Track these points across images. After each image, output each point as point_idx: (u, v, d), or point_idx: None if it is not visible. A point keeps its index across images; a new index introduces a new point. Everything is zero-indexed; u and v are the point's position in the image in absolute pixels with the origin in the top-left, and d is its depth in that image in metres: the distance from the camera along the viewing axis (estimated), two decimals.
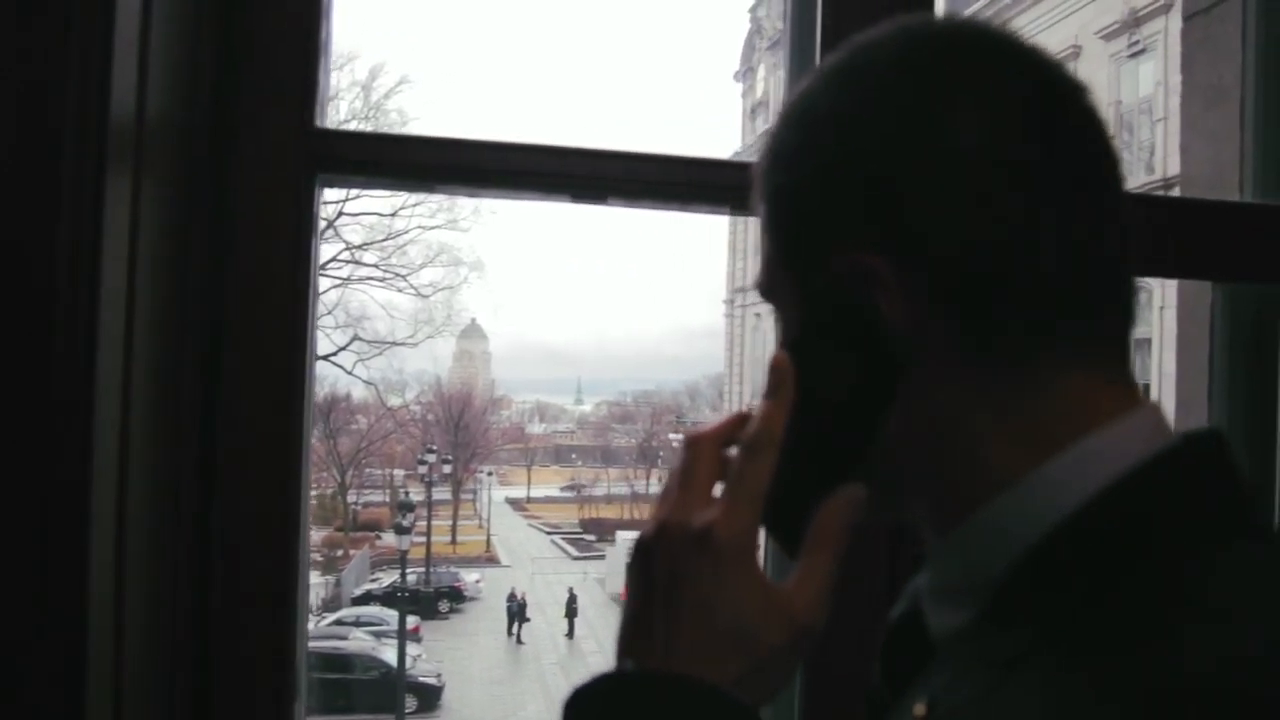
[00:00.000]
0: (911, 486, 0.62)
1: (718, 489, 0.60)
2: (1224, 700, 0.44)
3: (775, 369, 0.60)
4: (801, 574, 0.58)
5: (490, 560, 28.47)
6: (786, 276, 0.64)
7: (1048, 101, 0.58)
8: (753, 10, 31.44)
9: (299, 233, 1.17)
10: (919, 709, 0.56)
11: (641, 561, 0.60)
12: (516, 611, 21.56)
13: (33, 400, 0.87)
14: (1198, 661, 0.45)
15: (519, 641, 21.40)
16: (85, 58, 0.88)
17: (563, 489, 41.55)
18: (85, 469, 0.88)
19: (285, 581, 1.16)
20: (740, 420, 0.62)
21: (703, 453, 0.61)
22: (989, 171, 0.56)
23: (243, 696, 1.15)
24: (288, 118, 1.17)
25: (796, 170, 0.62)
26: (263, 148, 1.16)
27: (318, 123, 1.20)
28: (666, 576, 0.57)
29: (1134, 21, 14.93)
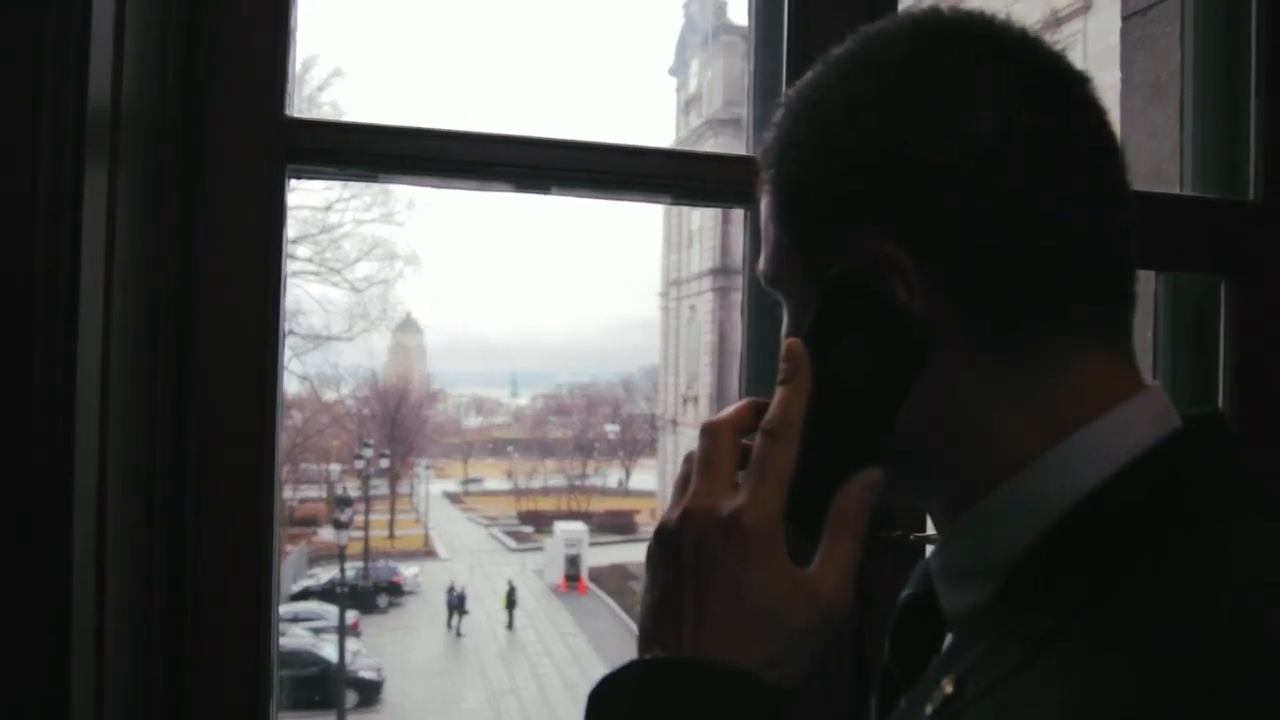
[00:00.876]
0: (924, 470, 0.63)
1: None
2: (1273, 669, 0.44)
3: (789, 356, 0.61)
4: (825, 557, 0.59)
5: (428, 554, 28.21)
6: (797, 265, 0.64)
7: (1059, 93, 0.60)
8: (686, 6, 31.50)
9: (269, 223, 1.17)
10: (947, 687, 0.56)
11: (666, 548, 0.60)
12: (455, 604, 21.42)
13: (14, 397, 0.86)
14: (1243, 631, 0.46)
15: (459, 634, 21.27)
16: (61, 48, 0.87)
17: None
18: (67, 466, 0.87)
19: (259, 577, 1.15)
20: (752, 408, 0.63)
21: (722, 440, 0.61)
22: (1005, 161, 0.57)
23: (219, 694, 1.14)
24: (258, 107, 1.16)
25: (810, 161, 0.62)
26: (232, 138, 1.15)
27: (288, 112, 1.19)
28: (694, 562, 0.58)
29: (1055, 21, 15.28)
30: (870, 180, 0.60)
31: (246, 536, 1.15)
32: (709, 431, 0.62)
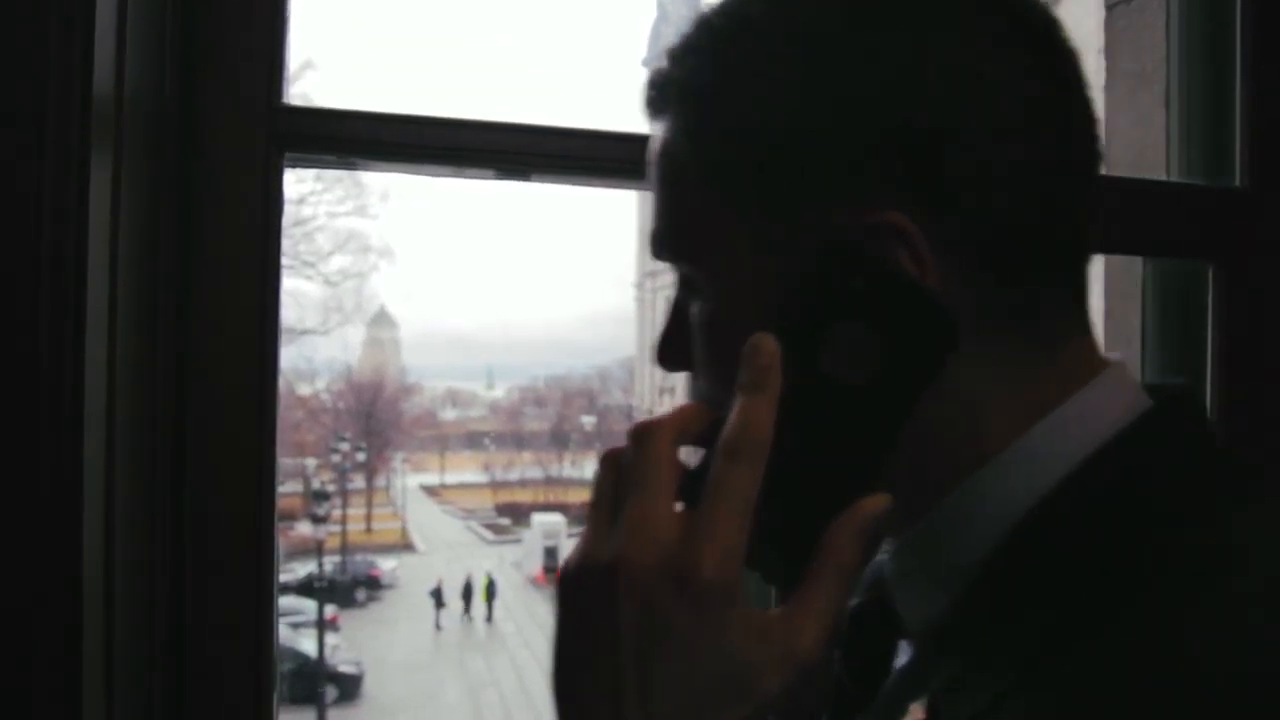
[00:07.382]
0: (899, 467, 0.52)
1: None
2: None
3: (758, 354, 0.48)
4: (807, 601, 0.47)
5: (406, 547, 28.17)
6: (743, 238, 0.53)
7: (1058, 57, 0.55)
8: None
9: (267, 211, 1.16)
10: (917, 712, 0.51)
11: (596, 598, 0.47)
12: (434, 597, 21.42)
13: (21, 389, 0.85)
14: (1262, 632, 0.42)
15: (437, 627, 21.26)
16: (66, 34, 0.86)
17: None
18: (76, 456, 0.86)
19: (260, 568, 1.15)
20: (695, 412, 0.51)
21: (661, 451, 0.49)
22: (1018, 123, 0.51)
23: (221, 688, 1.13)
24: (254, 94, 1.15)
25: (783, 110, 0.52)
26: (229, 125, 1.14)
27: (284, 99, 1.18)
28: (637, 619, 0.46)
29: None
30: (874, 137, 0.50)
31: (246, 523, 1.15)
32: (642, 436, 0.49)
